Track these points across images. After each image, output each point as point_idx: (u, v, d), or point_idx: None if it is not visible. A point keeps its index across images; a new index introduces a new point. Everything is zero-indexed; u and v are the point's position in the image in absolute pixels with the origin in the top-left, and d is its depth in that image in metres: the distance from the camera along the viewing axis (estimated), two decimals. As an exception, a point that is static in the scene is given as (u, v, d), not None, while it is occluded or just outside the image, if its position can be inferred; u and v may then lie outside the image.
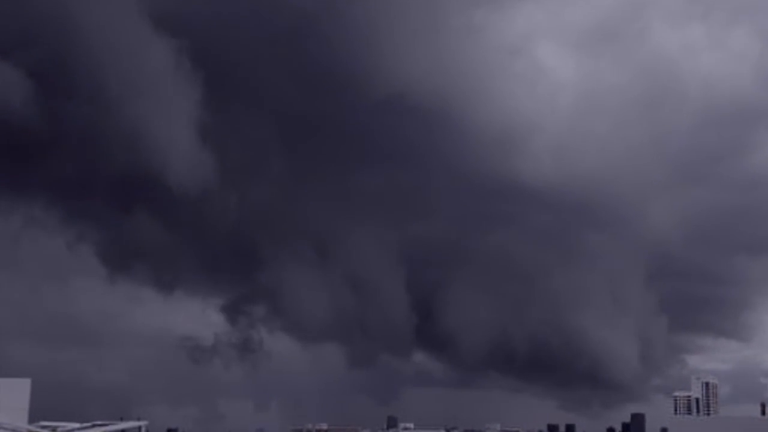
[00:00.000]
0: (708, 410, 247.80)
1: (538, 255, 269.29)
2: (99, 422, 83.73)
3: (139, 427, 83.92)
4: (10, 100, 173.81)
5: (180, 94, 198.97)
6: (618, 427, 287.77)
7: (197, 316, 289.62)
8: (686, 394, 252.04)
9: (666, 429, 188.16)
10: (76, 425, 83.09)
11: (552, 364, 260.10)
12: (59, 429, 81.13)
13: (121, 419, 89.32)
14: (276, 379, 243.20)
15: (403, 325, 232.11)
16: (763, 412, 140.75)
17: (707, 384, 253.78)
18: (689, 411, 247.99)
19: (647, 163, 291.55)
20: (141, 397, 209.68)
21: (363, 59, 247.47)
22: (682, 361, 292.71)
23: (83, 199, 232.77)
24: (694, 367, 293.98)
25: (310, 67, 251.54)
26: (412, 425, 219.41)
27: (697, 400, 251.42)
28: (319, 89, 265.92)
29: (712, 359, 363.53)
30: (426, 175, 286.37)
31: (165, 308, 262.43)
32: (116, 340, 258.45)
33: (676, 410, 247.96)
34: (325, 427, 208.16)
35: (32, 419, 74.72)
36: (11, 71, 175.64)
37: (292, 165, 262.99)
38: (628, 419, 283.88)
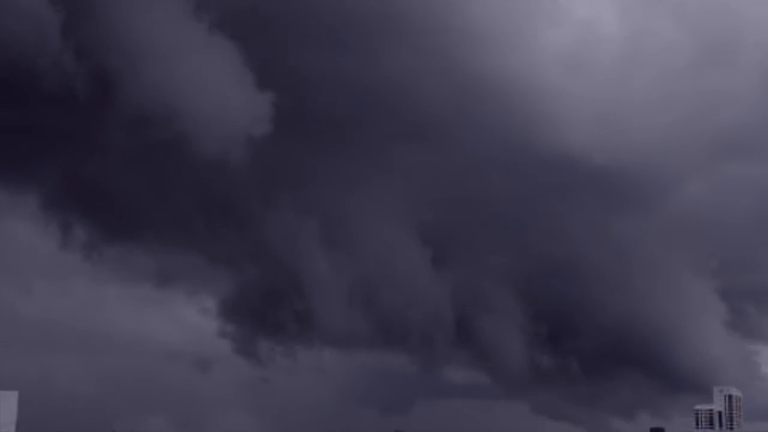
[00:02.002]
0: (731, 425, 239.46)
1: (569, 239, 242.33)
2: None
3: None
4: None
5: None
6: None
7: (190, 316, 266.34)
8: (708, 407, 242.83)
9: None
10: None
11: (592, 370, 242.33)
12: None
13: (114, 432, 79.96)
14: (274, 388, 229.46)
15: (433, 325, 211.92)
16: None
17: (730, 396, 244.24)
18: (711, 425, 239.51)
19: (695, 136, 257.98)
20: (129, 407, 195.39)
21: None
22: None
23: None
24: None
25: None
26: None
27: (720, 413, 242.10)
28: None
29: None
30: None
31: (150, 306, 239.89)
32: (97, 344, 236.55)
33: (697, 424, 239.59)
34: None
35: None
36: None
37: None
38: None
